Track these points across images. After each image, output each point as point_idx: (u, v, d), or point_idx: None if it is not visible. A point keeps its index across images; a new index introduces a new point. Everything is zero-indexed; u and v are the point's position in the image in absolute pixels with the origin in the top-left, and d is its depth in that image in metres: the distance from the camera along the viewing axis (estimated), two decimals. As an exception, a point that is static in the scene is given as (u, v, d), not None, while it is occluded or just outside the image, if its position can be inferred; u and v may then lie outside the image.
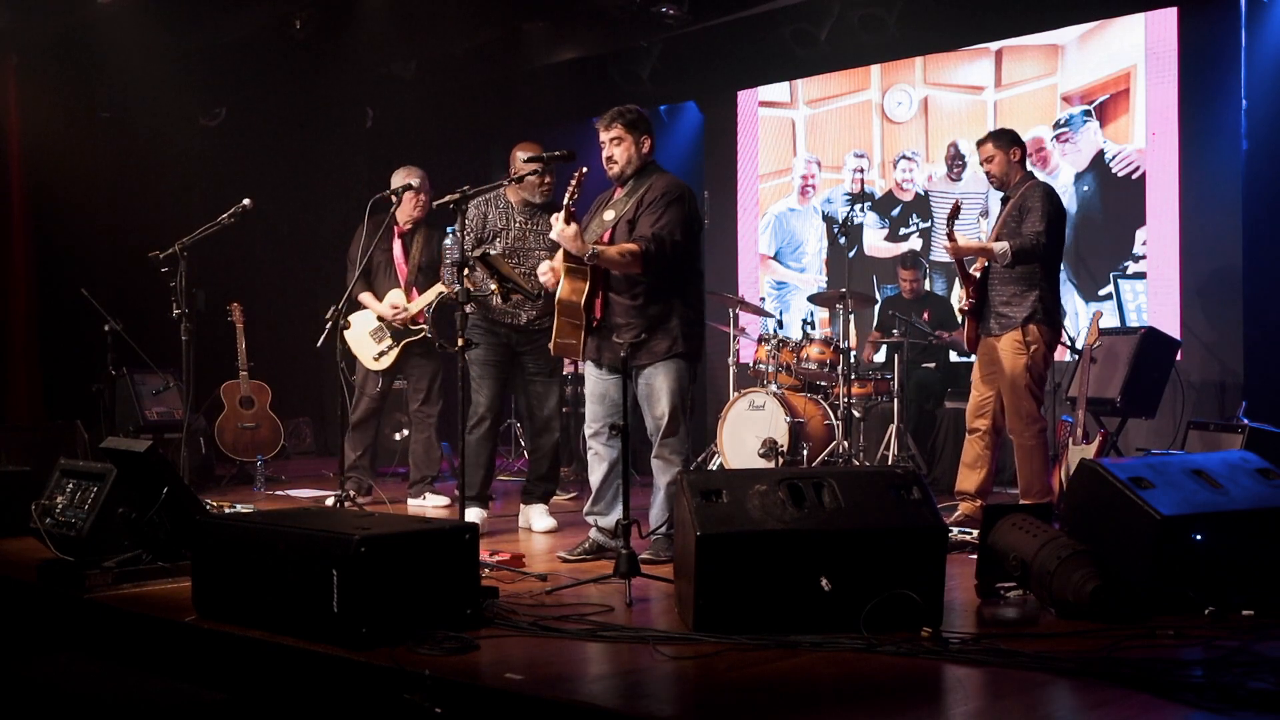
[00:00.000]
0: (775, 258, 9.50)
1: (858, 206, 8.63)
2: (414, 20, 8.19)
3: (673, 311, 4.64)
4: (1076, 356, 6.47)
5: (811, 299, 7.97)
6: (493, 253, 5.11)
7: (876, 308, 8.07)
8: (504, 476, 7.72)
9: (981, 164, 5.60)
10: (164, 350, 7.15)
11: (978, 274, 5.39)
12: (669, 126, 10.22)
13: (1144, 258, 7.60)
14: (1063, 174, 7.97)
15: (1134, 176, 7.66)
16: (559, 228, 4.49)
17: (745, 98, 9.55)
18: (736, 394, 7.16)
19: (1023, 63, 8.22)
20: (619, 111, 4.73)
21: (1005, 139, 5.48)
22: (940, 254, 8.49)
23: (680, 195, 4.65)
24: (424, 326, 6.32)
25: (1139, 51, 7.68)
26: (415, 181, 6.21)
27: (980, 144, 5.60)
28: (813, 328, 7.57)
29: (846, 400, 6.94)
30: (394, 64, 8.99)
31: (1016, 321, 5.25)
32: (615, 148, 4.72)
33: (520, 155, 5.38)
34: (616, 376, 4.56)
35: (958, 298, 5.46)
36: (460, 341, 4.29)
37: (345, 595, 3.22)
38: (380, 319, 6.42)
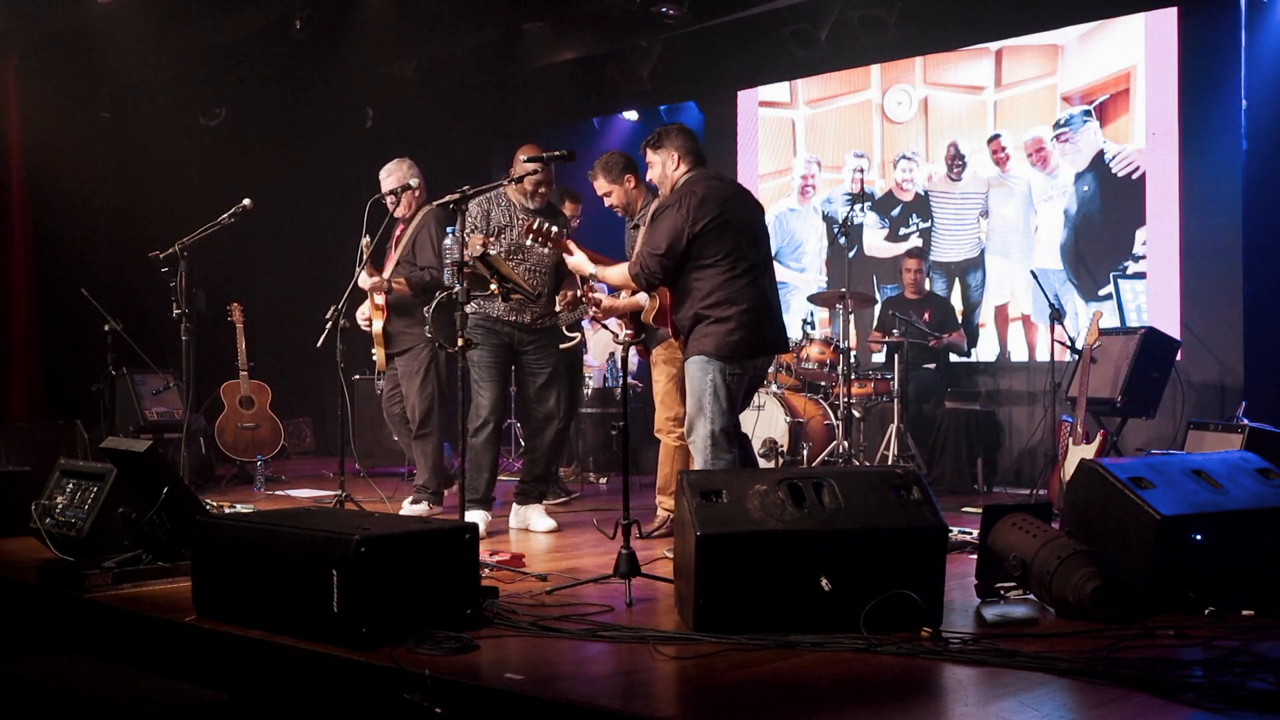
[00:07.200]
0: (775, 258, 9.46)
1: (858, 206, 8.63)
2: (414, 20, 8.20)
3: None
4: (1076, 356, 6.47)
5: (811, 299, 7.97)
6: (492, 252, 5.10)
7: (877, 308, 8.07)
8: (503, 476, 7.71)
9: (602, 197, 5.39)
10: (164, 350, 7.16)
11: None
12: (669, 127, 10.22)
13: (1144, 258, 7.60)
14: (1063, 174, 7.97)
15: (1134, 176, 7.65)
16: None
17: (745, 98, 9.54)
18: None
19: (1023, 63, 8.22)
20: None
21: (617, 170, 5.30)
22: (940, 254, 8.49)
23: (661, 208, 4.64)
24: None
25: (1139, 51, 7.67)
26: (414, 181, 6.15)
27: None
28: (813, 328, 7.59)
29: (846, 400, 6.94)
30: (394, 64, 8.99)
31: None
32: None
33: (522, 156, 5.38)
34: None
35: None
36: (460, 341, 4.29)
37: (345, 595, 3.22)
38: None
